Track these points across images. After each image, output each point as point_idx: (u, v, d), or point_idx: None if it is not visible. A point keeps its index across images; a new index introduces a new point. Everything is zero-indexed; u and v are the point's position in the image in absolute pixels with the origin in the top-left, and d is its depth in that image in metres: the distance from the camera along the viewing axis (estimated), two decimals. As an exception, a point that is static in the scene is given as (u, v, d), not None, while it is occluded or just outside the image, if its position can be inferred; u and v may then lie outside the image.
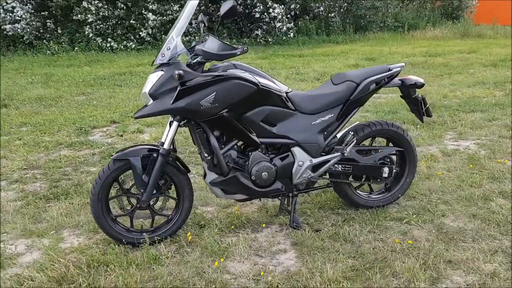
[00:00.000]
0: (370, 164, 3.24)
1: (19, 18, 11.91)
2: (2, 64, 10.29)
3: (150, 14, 12.70)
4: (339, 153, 3.13)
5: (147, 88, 2.80)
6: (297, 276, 2.62)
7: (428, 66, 9.59)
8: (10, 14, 11.94)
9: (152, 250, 2.87)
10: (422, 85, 3.25)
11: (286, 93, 3.04)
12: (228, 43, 2.79)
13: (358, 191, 3.41)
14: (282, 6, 14.03)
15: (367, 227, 3.15)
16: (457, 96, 6.89)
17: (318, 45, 13.87)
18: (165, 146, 2.87)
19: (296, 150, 3.07)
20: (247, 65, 2.97)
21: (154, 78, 2.80)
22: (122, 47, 12.62)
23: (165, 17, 12.93)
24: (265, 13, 13.88)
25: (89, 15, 12.36)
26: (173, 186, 3.06)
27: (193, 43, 2.97)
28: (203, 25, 3.06)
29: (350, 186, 3.34)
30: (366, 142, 3.45)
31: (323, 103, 3.09)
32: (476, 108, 6.07)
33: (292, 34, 14.16)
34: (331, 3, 15.35)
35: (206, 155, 2.93)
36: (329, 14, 15.47)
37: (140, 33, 12.82)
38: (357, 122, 3.39)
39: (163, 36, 12.73)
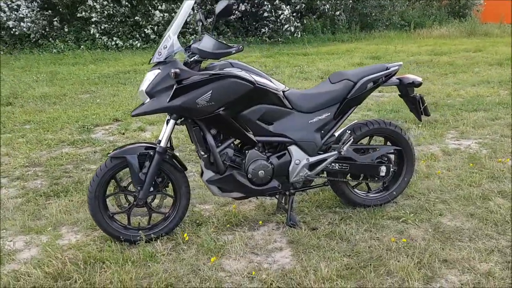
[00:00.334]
0: (367, 163, 3.24)
1: (23, 16, 11.96)
2: (9, 63, 10.37)
3: (157, 12, 12.73)
4: (336, 152, 3.13)
5: (144, 86, 2.82)
6: (291, 274, 2.63)
7: (433, 65, 9.54)
8: (15, 13, 12.00)
9: (148, 248, 2.89)
10: (419, 84, 3.24)
11: (283, 91, 3.04)
12: (223, 41, 2.80)
13: (355, 190, 3.41)
14: (288, 6, 13.99)
15: (364, 226, 3.15)
16: (460, 95, 6.86)
17: (323, 43, 13.84)
18: (162, 144, 2.89)
19: (293, 148, 3.07)
20: (244, 63, 2.98)
21: (151, 76, 2.82)
22: (127, 45, 12.67)
23: (172, 14, 12.96)
24: (272, 12, 13.85)
25: (93, 14, 12.42)
26: (170, 184, 3.08)
27: (191, 42, 2.98)
28: (201, 23, 3.06)
29: (348, 185, 3.34)
30: (365, 141, 3.46)
31: (320, 101, 3.09)
32: (479, 107, 6.03)
33: (299, 34, 14.13)
34: (337, 1, 15.30)
35: (202, 153, 2.95)
36: (335, 13, 15.42)
37: (146, 30, 12.84)
38: (355, 121, 3.39)
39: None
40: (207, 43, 2.75)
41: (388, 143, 3.43)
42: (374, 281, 2.57)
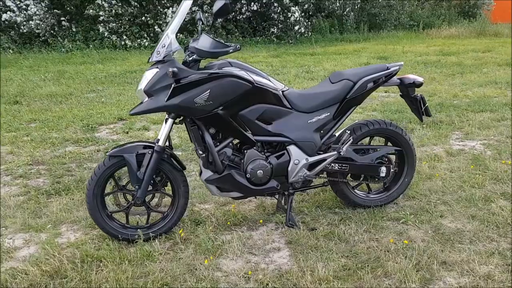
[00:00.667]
0: (367, 163, 3.21)
1: (32, 14, 12.04)
2: (18, 62, 10.45)
3: (169, 11, 12.75)
4: (335, 152, 3.11)
5: (142, 85, 2.82)
6: (288, 275, 2.62)
7: (441, 65, 9.47)
8: (24, 12, 12.10)
9: (146, 247, 2.89)
10: (420, 84, 3.21)
11: (282, 91, 3.03)
12: (221, 41, 2.79)
13: (356, 190, 3.39)
14: (297, 6, 13.95)
15: (363, 227, 3.13)
16: (467, 95, 6.80)
17: (331, 43, 13.81)
18: (160, 143, 2.89)
19: (292, 148, 3.06)
20: (243, 62, 2.97)
21: (149, 75, 2.82)
22: (135, 45, 12.72)
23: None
24: (281, 13, 13.82)
25: (101, 12, 12.48)
26: (169, 183, 3.07)
27: (190, 41, 2.98)
28: (200, 22, 3.06)
29: (348, 185, 3.32)
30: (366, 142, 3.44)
31: (319, 101, 3.07)
32: (486, 108, 5.97)
33: (309, 33, 14.07)
34: (346, 1, 15.24)
35: (201, 152, 2.95)
36: (343, 12, 15.37)
37: (155, 27, 12.86)
38: (356, 121, 3.37)
39: (177, 34, 12.78)
40: (204, 42, 2.75)
41: (389, 143, 3.40)
42: (371, 282, 2.55)
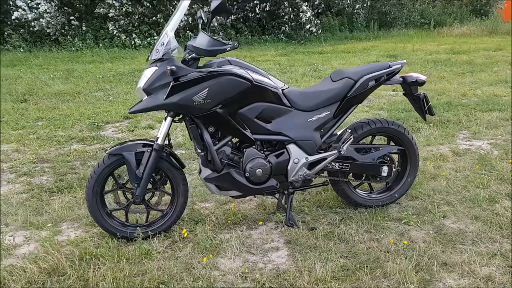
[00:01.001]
0: (368, 163, 3.18)
1: (42, 12, 12.14)
2: (28, 60, 10.53)
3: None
4: (335, 151, 3.08)
5: (141, 83, 2.82)
6: (285, 275, 2.60)
7: (451, 64, 9.37)
8: (35, 11, 12.19)
9: (145, 245, 2.88)
10: (423, 83, 3.16)
11: (282, 89, 3.01)
12: (219, 39, 2.78)
13: (357, 190, 3.36)
14: (306, 3, 13.89)
15: (364, 227, 3.09)
16: (476, 94, 6.71)
17: (341, 41, 13.73)
18: (159, 141, 2.89)
19: (292, 147, 3.03)
20: (242, 60, 2.95)
21: (148, 73, 2.82)
22: (145, 43, 12.76)
23: (195, 17, 13.02)
24: (291, 11, 13.76)
25: (111, 10, 12.54)
26: (168, 182, 3.07)
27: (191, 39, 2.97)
28: (201, 21, 3.04)
29: (349, 185, 3.29)
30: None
31: (320, 100, 3.05)
32: (494, 107, 5.89)
33: (319, 32, 14.01)
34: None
35: (199, 151, 2.93)
36: (353, 10, 15.27)
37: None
38: (358, 120, 3.33)
39: (188, 32, 12.81)
40: (201, 40, 2.74)
41: (392, 143, 3.36)
42: (369, 283, 2.52)
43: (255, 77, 2.87)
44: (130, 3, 12.78)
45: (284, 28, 14.10)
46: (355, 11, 15.31)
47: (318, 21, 14.20)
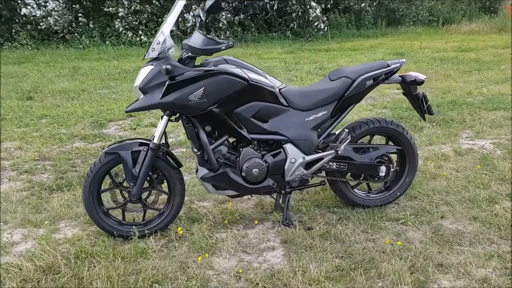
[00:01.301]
0: (366, 163, 3.16)
1: (50, 10, 12.20)
2: (35, 58, 10.60)
3: (190, 16, 12.79)
4: (332, 151, 3.06)
5: (137, 82, 2.83)
6: (279, 275, 2.59)
7: (458, 62, 9.29)
8: (43, 9, 12.26)
9: (141, 244, 2.89)
10: (422, 82, 3.14)
11: (279, 89, 3.00)
12: (214, 38, 2.77)
13: (355, 190, 3.34)
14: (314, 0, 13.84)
15: (361, 227, 3.08)
16: (482, 93, 6.64)
17: (348, 39, 13.66)
18: (155, 140, 2.89)
19: (289, 147, 3.02)
20: (239, 59, 2.94)
21: (144, 72, 2.82)
22: (151, 41, 12.73)
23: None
24: (298, 9, 13.71)
25: (120, 9, 12.58)
26: (165, 180, 3.07)
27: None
28: (199, 19, 3.04)
29: (347, 185, 3.27)
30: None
31: (317, 99, 3.03)
32: (500, 106, 5.83)
33: (326, 29, 13.95)
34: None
35: (195, 150, 2.94)
36: (361, 6, 15.18)
37: (173, 28, 12.91)
38: (358, 119, 3.31)
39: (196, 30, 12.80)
40: (196, 39, 2.74)
41: (390, 142, 3.34)
42: (363, 283, 2.51)
43: (251, 76, 2.86)
44: (138, 1, 12.81)
45: (292, 26, 14.05)
46: (362, 6, 15.20)
47: (325, 18, 14.14)
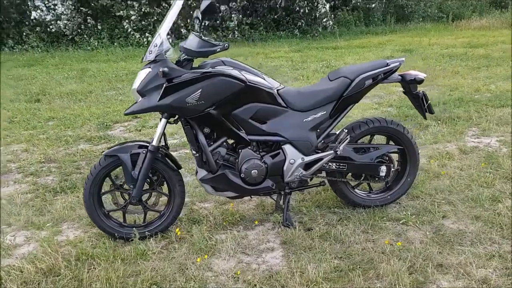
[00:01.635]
0: (366, 163, 3.15)
1: (60, 14, 12.32)
2: (44, 60, 10.70)
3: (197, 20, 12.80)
4: (332, 151, 3.05)
5: (135, 85, 2.84)
6: (277, 276, 2.60)
7: (467, 58, 9.19)
8: (53, 12, 12.38)
9: (141, 245, 2.91)
10: (421, 81, 3.11)
11: (277, 90, 2.99)
12: (210, 40, 2.78)
13: (355, 190, 3.33)
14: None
15: (361, 227, 3.07)
16: (490, 90, 6.57)
17: (356, 36, 13.58)
18: (154, 142, 2.91)
19: (287, 147, 3.02)
20: (236, 61, 2.94)
21: (142, 75, 2.84)
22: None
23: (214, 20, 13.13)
24: (305, 6, 13.68)
25: (131, 12, 12.65)
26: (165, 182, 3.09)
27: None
28: (197, 21, 3.05)
29: (347, 185, 3.26)
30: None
31: (315, 100, 3.02)
32: (507, 103, 5.76)
33: (334, 27, 13.89)
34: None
35: (194, 152, 2.95)
36: (371, 5, 15.09)
37: (182, 30, 12.96)
38: (359, 119, 3.30)
39: (205, 32, 12.87)
40: (192, 41, 2.75)
41: (391, 142, 3.32)
42: (361, 284, 2.50)
43: (249, 78, 2.86)
44: (147, 3, 12.88)
45: (299, 24, 14.01)
46: (372, 6, 15.11)
47: (332, 15, 14.08)
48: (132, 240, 2.97)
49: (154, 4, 13.05)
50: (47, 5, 12.39)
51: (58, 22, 12.38)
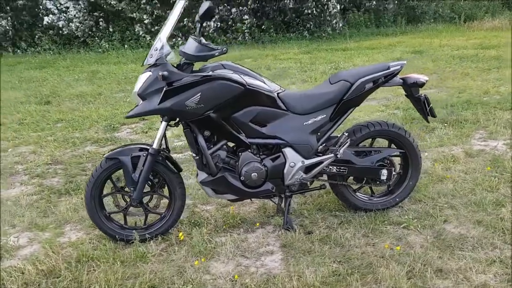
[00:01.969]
0: (366, 166, 3.13)
1: (71, 17, 12.46)
2: (56, 62, 10.81)
3: (212, 23, 12.88)
4: (332, 155, 3.04)
5: (136, 88, 2.87)
6: (275, 280, 2.59)
7: (477, 60, 9.08)
8: (64, 15, 12.52)
9: (141, 248, 2.93)
10: (423, 84, 3.09)
11: (278, 93, 3.00)
12: (209, 44, 2.79)
13: (357, 193, 3.31)
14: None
15: (362, 231, 3.05)
16: (499, 92, 6.49)
17: (366, 38, 13.50)
18: (154, 145, 2.93)
19: (288, 151, 3.02)
20: (236, 64, 2.95)
21: (143, 78, 2.86)
22: (170, 44, 12.88)
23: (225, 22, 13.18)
24: (314, 8, 13.66)
25: (144, 15, 12.75)
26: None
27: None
28: (199, 24, 3.06)
29: (348, 188, 3.25)
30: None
31: (315, 103, 3.02)
32: (516, 105, 5.69)
33: (344, 28, 13.84)
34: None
35: (194, 155, 2.96)
36: (385, 7, 15.02)
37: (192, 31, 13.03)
38: (359, 122, 3.29)
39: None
40: (190, 46, 2.77)
41: (392, 145, 3.30)
42: (359, 289, 2.49)
43: (248, 81, 2.87)
44: (158, 5, 12.97)
45: (309, 25, 13.99)
46: (385, 7, 15.05)
47: (343, 17, 14.05)
48: (133, 242, 2.99)
49: (166, 7, 13.13)
50: (59, 7, 12.53)
51: (70, 24, 12.51)
